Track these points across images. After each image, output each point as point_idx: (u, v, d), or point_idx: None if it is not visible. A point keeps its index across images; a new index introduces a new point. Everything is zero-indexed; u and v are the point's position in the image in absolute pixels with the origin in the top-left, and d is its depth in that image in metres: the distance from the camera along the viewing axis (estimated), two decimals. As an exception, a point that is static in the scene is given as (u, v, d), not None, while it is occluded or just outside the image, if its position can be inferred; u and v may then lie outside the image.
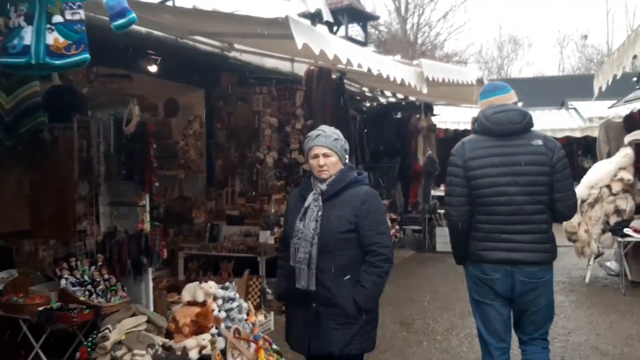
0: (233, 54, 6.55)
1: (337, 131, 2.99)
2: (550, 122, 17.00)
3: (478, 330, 3.28)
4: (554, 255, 3.11)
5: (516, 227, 3.01)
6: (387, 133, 10.03)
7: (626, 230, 6.79)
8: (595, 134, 13.95)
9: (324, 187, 2.90)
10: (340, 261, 2.84)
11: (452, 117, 16.10)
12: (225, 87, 7.30)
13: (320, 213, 2.83)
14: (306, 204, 2.89)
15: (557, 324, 5.62)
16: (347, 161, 3.00)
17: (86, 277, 4.33)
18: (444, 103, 12.85)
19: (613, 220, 7.31)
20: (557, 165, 3.00)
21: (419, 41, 28.41)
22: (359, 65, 4.44)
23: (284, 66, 7.55)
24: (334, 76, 6.90)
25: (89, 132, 4.59)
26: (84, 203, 4.67)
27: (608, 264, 8.19)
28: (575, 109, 17.40)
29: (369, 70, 4.68)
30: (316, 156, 2.89)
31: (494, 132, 3.06)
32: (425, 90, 6.04)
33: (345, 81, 9.66)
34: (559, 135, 15.86)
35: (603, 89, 4.37)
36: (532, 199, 2.98)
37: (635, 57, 2.97)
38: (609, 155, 7.89)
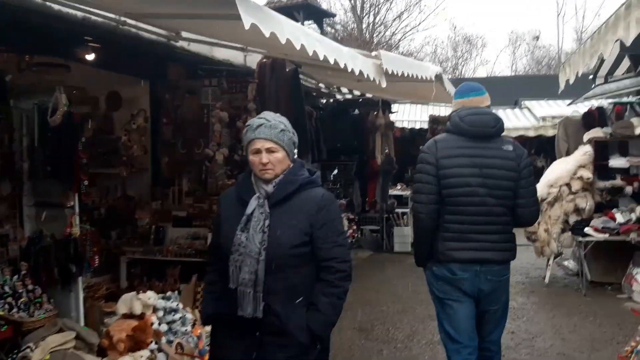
0: (180, 43, 6.09)
1: (284, 119, 2.47)
2: (504, 121, 17.10)
3: (444, 331, 3.19)
4: (515, 254, 3.20)
5: (486, 227, 3.05)
6: (344, 130, 9.67)
7: (587, 230, 6.66)
8: (548, 133, 14.14)
9: (270, 189, 2.38)
10: (292, 281, 2.34)
11: (408, 115, 16.03)
12: (172, 79, 6.79)
13: (267, 222, 2.31)
14: (248, 211, 2.34)
15: (521, 328, 5.43)
16: (296, 157, 2.49)
17: (7, 289, 3.80)
18: (402, 100, 12.70)
19: (572, 219, 7.20)
20: (523, 172, 3.08)
21: (375, 40, 28.37)
22: (315, 53, 4.06)
23: (236, 58, 7.12)
24: (288, 69, 6.52)
25: (11, 124, 4.05)
26: (5, 204, 4.14)
27: (566, 263, 8.11)
28: (528, 108, 17.60)
29: (325, 59, 4.31)
30: (258, 151, 2.35)
31: (468, 134, 3.08)
32: (384, 84, 5.70)
33: (301, 76, 9.34)
34: (514, 134, 15.90)
35: (571, 81, 4.14)
36: (498, 201, 3.05)
37: (618, 41, 2.72)
38: (568, 153, 7.79)
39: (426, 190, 3.07)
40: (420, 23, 34.14)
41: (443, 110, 12.89)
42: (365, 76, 5.32)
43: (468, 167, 3.02)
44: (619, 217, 6.66)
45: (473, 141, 3.07)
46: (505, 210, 3.06)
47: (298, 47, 3.95)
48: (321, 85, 10.67)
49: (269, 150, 2.35)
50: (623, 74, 8.48)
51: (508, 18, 54.54)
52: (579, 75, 3.83)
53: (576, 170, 7.07)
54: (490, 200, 3.02)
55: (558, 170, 7.27)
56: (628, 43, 2.65)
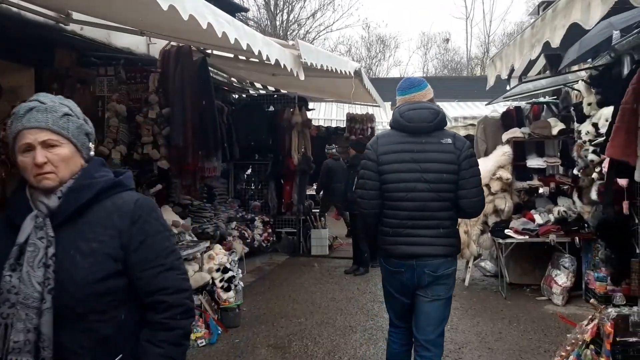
0: (71, 27, 5.38)
1: (69, 102, 1.72)
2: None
3: (388, 312, 3.47)
4: (457, 249, 3.24)
5: (420, 222, 3.09)
6: (258, 128, 9.10)
7: (507, 232, 6.53)
8: (460, 133, 14.32)
9: (53, 202, 1.62)
10: (102, 332, 1.60)
11: (324, 114, 15.74)
12: (62, 67, 5.96)
13: (52, 251, 1.57)
14: (21, 239, 1.58)
15: (446, 337, 5.06)
16: (92, 153, 1.74)
17: None
18: (318, 98, 12.32)
19: (491, 220, 7.08)
20: (463, 164, 3.08)
21: (289, 38, 28.00)
22: (225, 36, 3.51)
23: (138, 46, 6.45)
24: (195, 57, 5.91)
25: None
26: None
27: (482, 264, 8.03)
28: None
29: (238, 43, 3.77)
30: (29, 148, 1.59)
31: (407, 129, 3.13)
32: (302, 77, 5.25)
33: (211, 69, 8.73)
34: (428, 134, 16.13)
35: (503, 76, 3.88)
36: (438, 195, 3.07)
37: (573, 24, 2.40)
38: (486, 154, 7.69)
39: (368, 186, 3.15)
40: (334, 22, 34.31)
41: (359, 109, 12.63)
42: (282, 66, 4.86)
43: (406, 162, 3.07)
44: (538, 218, 6.59)
45: (412, 136, 3.10)
46: (444, 204, 3.09)
47: (204, 26, 3.38)
48: (233, 79, 10.12)
49: (46, 144, 1.59)
50: (537, 74, 8.53)
51: (420, 20, 56.03)
52: (515, 68, 3.54)
53: (495, 171, 6.95)
54: (427, 195, 3.06)
55: (477, 171, 7.12)
56: (589, 26, 2.34)
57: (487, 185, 6.95)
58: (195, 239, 6.35)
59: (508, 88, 9.17)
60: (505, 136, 7.20)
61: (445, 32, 43.76)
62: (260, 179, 9.68)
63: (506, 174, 6.86)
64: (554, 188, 7.05)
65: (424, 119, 3.08)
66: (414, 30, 53.84)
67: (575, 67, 6.67)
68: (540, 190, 7.16)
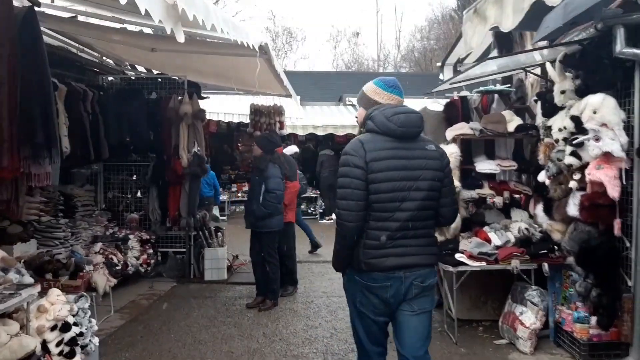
0: None
1: None
2: (330, 118, 15.92)
3: (358, 337, 3.11)
4: (439, 257, 3.40)
5: (412, 232, 2.92)
6: (136, 120, 7.07)
7: (458, 256, 5.07)
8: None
9: None
10: None
11: (226, 107, 13.83)
12: None
13: None
14: None
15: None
16: None
17: None
18: (218, 86, 10.39)
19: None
20: (446, 171, 3.04)
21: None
22: None
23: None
24: (18, 5, 3.94)
25: None
26: None
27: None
28: (353, 105, 16.67)
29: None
30: None
31: (397, 134, 2.94)
32: (181, 38, 3.51)
33: (76, 45, 6.81)
34: (341, 132, 14.82)
35: (505, 26, 2.37)
36: (427, 204, 2.95)
37: None
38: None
39: (356, 196, 2.84)
40: (237, 13, 32.45)
41: (265, 100, 10.85)
42: (143, 12, 3.10)
43: (398, 170, 2.88)
44: (494, 238, 5.18)
45: (399, 142, 2.92)
46: (430, 213, 2.99)
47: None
48: (109, 60, 8.13)
49: None
50: (475, 61, 7.19)
51: (328, 13, 54.84)
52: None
53: (439, 177, 5.47)
54: (420, 203, 2.91)
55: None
56: None
57: (429, 195, 5.47)
58: (27, 277, 4.34)
59: (441, 78, 7.81)
60: (450, 133, 5.71)
61: (356, 26, 43.17)
62: (138, 185, 7.66)
63: (454, 181, 5.40)
64: (508, 198, 5.69)
65: (414, 124, 2.96)
66: (322, 23, 52.62)
67: (529, 46, 5.31)
68: (489, 201, 5.78)
